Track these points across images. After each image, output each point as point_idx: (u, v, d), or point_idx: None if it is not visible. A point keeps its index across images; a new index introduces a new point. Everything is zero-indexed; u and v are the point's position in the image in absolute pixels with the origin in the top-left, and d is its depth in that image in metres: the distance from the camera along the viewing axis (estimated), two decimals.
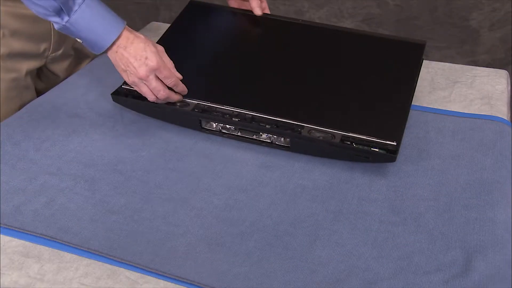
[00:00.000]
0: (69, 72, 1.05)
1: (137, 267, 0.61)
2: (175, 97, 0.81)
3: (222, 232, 0.66)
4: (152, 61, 0.75)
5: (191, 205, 0.70)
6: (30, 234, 0.66)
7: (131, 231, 0.66)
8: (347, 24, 1.80)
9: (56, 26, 0.75)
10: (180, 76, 0.80)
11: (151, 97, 0.79)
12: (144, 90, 0.78)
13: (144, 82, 0.77)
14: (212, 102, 0.81)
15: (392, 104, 0.78)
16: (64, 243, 0.65)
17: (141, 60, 0.75)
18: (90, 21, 0.73)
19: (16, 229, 0.67)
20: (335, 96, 0.81)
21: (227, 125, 0.81)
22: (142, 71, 0.76)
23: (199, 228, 0.67)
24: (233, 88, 0.85)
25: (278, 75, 0.85)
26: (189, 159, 0.79)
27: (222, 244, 0.64)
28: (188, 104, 0.82)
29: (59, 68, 1.03)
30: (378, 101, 0.79)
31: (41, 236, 0.66)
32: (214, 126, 0.82)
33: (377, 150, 0.72)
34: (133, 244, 0.64)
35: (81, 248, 0.64)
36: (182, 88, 0.81)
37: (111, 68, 0.81)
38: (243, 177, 0.75)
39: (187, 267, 0.61)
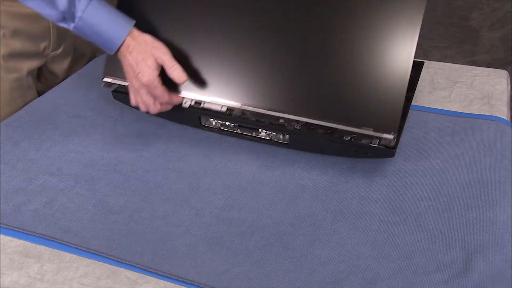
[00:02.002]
0: (69, 73, 1.04)
1: (137, 267, 0.61)
2: (167, 109, 0.80)
3: (222, 232, 0.66)
4: (144, 77, 0.73)
5: (191, 205, 0.70)
6: (30, 234, 0.66)
7: (131, 231, 0.66)
8: None
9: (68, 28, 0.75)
10: (180, 100, 0.79)
11: (142, 108, 0.78)
12: (137, 99, 0.78)
13: (137, 92, 0.77)
14: (207, 96, 0.79)
15: (392, 87, 0.71)
16: (64, 243, 0.65)
17: (134, 72, 0.74)
18: (95, 26, 0.73)
19: (16, 229, 0.67)
20: (334, 81, 0.75)
21: (226, 122, 0.81)
22: (135, 83, 0.75)
23: (199, 228, 0.67)
24: (227, 80, 0.80)
25: (272, 62, 0.78)
26: (189, 159, 0.79)
27: (222, 244, 0.64)
28: (185, 101, 0.81)
29: (59, 68, 1.03)
30: (376, 87, 0.72)
31: (41, 236, 0.66)
32: (214, 123, 0.82)
33: (376, 145, 0.72)
34: (133, 244, 0.64)
35: (81, 248, 0.64)
36: (177, 103, 0.79)
37: None
38: (243, 177, 0.75)
39: (187, 267, 0.61)
